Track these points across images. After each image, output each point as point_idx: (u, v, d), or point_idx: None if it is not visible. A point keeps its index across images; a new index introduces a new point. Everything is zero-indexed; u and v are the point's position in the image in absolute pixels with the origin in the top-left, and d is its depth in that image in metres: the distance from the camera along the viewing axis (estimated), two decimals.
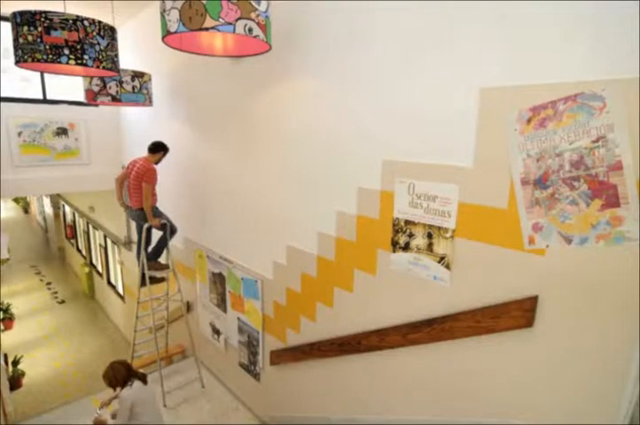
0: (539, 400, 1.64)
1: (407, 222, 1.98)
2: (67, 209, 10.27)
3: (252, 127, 3.00)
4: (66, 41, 2.04)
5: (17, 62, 2.12)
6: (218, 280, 3.74)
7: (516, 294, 1.64)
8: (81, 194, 7.52)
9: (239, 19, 1.69)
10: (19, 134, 4.64)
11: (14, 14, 2.02)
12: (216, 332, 3.96)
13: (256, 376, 3.44)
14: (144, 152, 3.93)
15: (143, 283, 3.82)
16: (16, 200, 17.15)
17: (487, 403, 1.82)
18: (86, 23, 2.09)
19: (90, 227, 8.29)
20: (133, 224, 5.58)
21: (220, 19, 1.65)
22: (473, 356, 1.84)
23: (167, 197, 4.23)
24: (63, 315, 7.91)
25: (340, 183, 2.33)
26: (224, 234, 3.59)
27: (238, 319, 3.54)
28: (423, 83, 1.84)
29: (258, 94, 2.87)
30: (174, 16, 1.68)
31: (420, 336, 2.00)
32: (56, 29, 2.01)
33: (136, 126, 4.89)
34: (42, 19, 1.99)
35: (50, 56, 2.03)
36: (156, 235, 3.87)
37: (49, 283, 9.62)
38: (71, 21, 2.04)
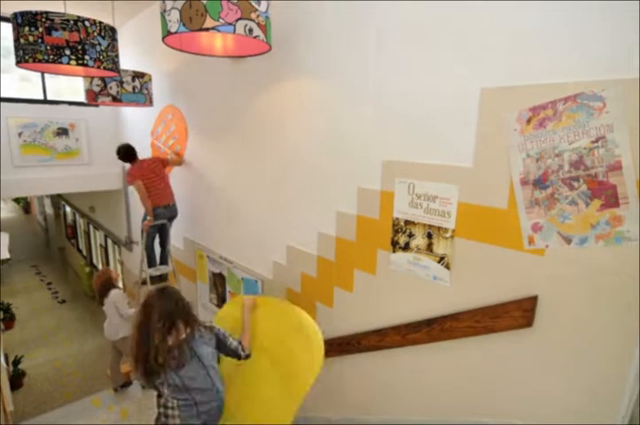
0: (539, 400, 1.65)
1: (407, 222, 1.98)
2: (68, 209, 10.27)
3: (252, 127, 3.00)
4: (67, 41, 2.04)
5: (18, 62, 2.13)
6: (218, 280, 3.74)
7: (516, 294, 1.64)
8: (81, 194, 7.51)
9: (239, 19, 1.70)
10: (20, 134, 4.65)
11: (15, 15, 2.03)
12: None
13: None
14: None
15: (143, 282, 3.83)
16: (16, 200, 17.14)
17: (487, 403, 1.83)
18: (87, 23, 2.09)
19: (91, 227, 8.30)
20: (133, 224, 5.59)
21: (220, 20, 1.65)
22: (473, 356, 1.84)
23: None
24: (63, 315, 7.91)
25: (340, 183, 2.34)
26: (224, 234, 3.59)
27: None
28: (423, 83, 1.84)
29: (258, 94, 2.88)
30: (174, 16, 1.69)
31: (420, 336, 2.00)
32: (57, 30, 2.01)
33: (136, 126, 4.89)
34: (44, 20, 1.99)
35: (51, 56, 2.03)
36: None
37: (49, 283, 9.62)
38: (72, 22, 2.04)
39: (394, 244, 2.06)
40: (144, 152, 4.66)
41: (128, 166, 3.87)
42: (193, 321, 1.82)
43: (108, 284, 3.57)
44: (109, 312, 3.57)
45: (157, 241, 3.98)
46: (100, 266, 8.15)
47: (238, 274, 3.43)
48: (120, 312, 3.56)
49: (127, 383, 3.97)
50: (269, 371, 2.03)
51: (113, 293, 3.53)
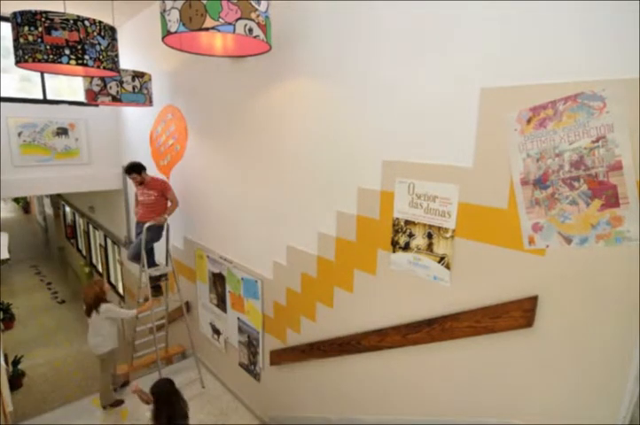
0: (539, 400, 1.64)
1: (407, 222, 1.98)
2: (67, 209, 10.27)
3: (252, 127, 3.00)
4: (67, 41, 2.04)
5: (17, 62, 2.12)
6: (218, 280, 3.74)
7: (516, 294, 1.64)
8: (81, 194, 7.52)
9: (239, 19, 1.69)
10: (19, 134, 4.65)
11: (15, 14, 2.02)
12: (216, 332, 3.96)
13: (256, 376, 3.44)
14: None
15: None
16: (16, 200, 17.13)
17: (487, 403, 1.83)
18: (87, 23, 2.09)
19: (90, 227, 8.29)
20: (132, 224, 5.59)
21: (220, 20, 1.65)
22: (473, 356, 1.84)
23: None
24: (63, 315, 7.90)
25: (340, 183, 2.33)
26: (224, 234, 3.59)
27: (238, 319, 3.54)
28: (423, 83, 1.84)
29: (258, 94, 2.87)
30: (174, 16, 1.68)
31: (420, 335, 2.00)
32: (56, 29, 2.01)
33: (136, 126, 4.89)
34: (43, 19, 1.99)
35: (51, 56, 2.03)
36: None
37: (49, 283, 9.62)
38: (72, 21, 2.04)
39: (394, 244, 2.06)
40: (143, 152, 4.67)
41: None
42: None
43: (100, 297, 3.47)
44: (98, 324, 3.47)
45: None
46: (100, 267, 8.15)
47: (237, 274, 3.43)
48: (121, 317, 3.53)
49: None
50: None
51: (105, 308, 3.43)
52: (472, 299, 1.80)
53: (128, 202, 5.52)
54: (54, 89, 5.09)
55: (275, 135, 2.79)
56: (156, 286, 4.03)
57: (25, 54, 2.04)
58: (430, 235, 1.90)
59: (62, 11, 2.10)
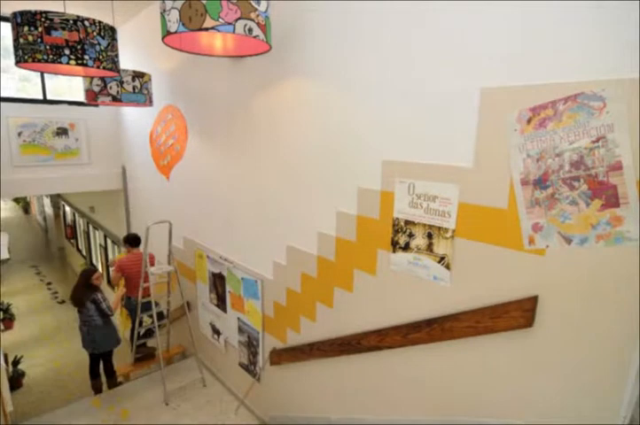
0: (539, 400, 1.64)
1: (407, 222, 1.98)
2: (67, 209, 10.27)
3: (252, 127, 3.00)
4: (67, 41, 2.04)
5: (17, 62, 2.12)
6: (218, 280, 3.74)
7: (516, 294, 1.64)
8: (81, 194, 7.52)
9: (239, 19, 1.69)
10: (19, 134, 4.65)
11: (15, 14, 2.02)
12: (216, 332, 3.96)
13: (256, 376, 3.44)
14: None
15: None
16: (16, 200, 17.15)
17: (487, 403, 1.82)
18: (86, 23, 2.09)
19: (90, 227, 8.30)
20: (134, 223, 5.60)
21: (220, 20, 1.65)
22: (473, 356, 1.84)
23: (168, 198, 4.23)
24: (63, 315, 7.90)
25: (340, 183, 2.33)
26: (224, 234, 3.59)
27: (238, 319, 3.54)
28: (422, 83, 1.84)
29: (258, 94, 2.87)
30: (174, 16, 1.69)
31: (420, 335, 2.00)
32: (56, 29, 2.01)
33: (136, 126, 4.89)
34: (43, 20, 1.99)
35: (51, 56, 2.03)
36: None
37: (49, 283, 9.62)
38: (71, 21, 2.04)
39: (394, 244, 2.06)
40: (143, 152, 4.67)
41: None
42: None
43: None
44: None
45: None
46: (100, 267, 8.15)
47: (237, 274, 3.43)
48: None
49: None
50: None
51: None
52: (472, 299, 1.79)
53: (128, 202, 5.53)
54: (54, 89, 5.09)
55: (275, 134, 2.79)
56: (141, 345, 4.14)
57: (25, 54, 2.04)
58: (430, 235, 1.90)
59: (62, 11, 2.10)
